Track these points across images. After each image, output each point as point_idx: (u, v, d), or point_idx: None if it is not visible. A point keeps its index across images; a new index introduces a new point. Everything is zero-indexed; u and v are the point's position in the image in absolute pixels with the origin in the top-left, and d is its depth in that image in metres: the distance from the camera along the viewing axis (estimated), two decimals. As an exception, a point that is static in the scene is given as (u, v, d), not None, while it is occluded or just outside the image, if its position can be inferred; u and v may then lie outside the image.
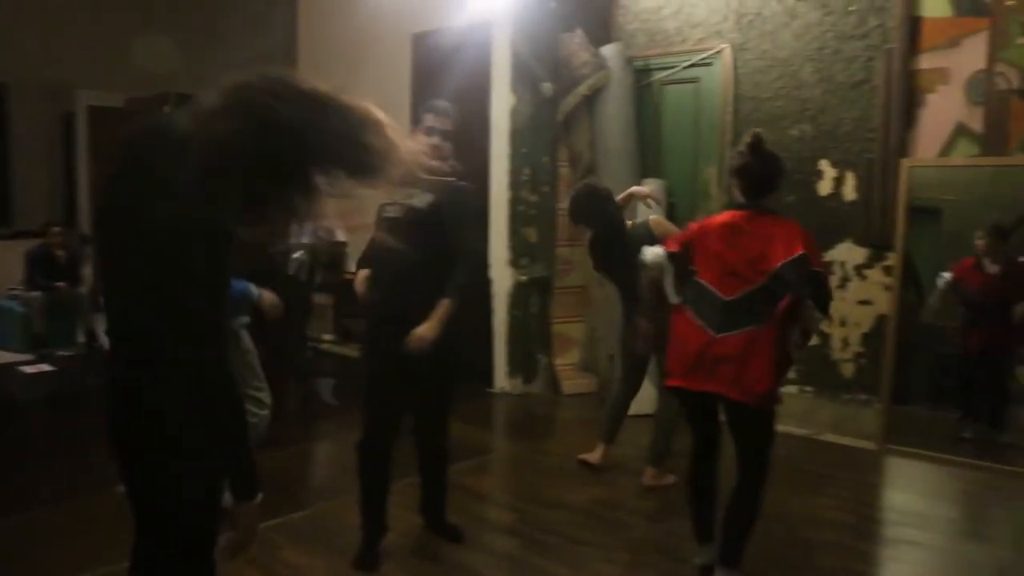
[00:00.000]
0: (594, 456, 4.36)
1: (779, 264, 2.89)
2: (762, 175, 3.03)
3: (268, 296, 3.86)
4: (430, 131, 3.16)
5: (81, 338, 7.54)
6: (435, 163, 3.16)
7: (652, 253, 3.20)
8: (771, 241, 2.94)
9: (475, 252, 3.38)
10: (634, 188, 4.39)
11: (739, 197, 3.07)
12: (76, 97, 8.51)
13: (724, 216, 3.08)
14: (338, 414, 5.66)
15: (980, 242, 4.67)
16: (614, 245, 4.08)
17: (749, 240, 2.98)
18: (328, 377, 6.67)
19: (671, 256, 3.11)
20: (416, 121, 3.22)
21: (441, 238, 3.10)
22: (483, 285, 5.81)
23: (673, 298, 3.12)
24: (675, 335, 3.09)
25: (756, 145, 3.01)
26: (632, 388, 4.36)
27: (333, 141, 1.50)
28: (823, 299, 2.99)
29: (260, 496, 1.69)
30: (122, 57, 8.01)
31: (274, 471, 4.46)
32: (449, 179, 3.21)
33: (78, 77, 8.40)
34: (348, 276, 7.37)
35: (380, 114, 1.56)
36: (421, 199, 3.13)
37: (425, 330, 3.04)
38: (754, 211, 3.01)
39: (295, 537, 3.55)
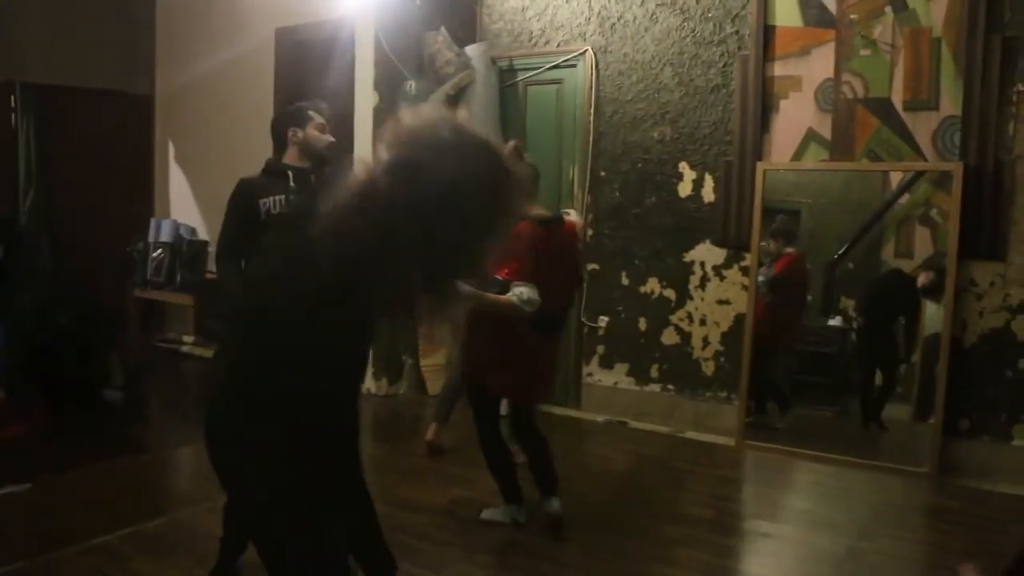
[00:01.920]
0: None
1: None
2: (533, 180, 3.51)
3: None
4: (324, 128, 3.26)
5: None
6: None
7: (528, 294, 3.25)
8: (575, 249, 3.57)
9: None
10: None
11: None
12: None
13: (540, 232, 3.36)
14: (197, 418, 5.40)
15: (766, 244, 4.98)
16: None
17: (565, 250, 3.49)
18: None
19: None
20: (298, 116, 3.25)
21: None
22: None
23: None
24: (525, 357, 3.43)
25: (520, 152, 3.44)
26: None
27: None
28: None
29: None
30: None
31: (128, 477, 4.24)
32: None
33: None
34: (209, 275, 7.11)
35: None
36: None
37: None
38: (558, 221, 3.50)
39: (147, 546, 3.36)
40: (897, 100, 4.52)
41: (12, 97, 6.83)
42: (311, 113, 3.26)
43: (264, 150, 3.33)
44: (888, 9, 4.51)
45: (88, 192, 7.06)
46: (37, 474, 4.02)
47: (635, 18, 5.24)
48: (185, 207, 7.53)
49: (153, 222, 7.31)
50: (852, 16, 4.61)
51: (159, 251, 7.13)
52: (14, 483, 3.88)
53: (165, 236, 7.19)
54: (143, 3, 7.59)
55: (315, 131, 3.24)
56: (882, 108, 4.56)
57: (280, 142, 3.25)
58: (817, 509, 4.04)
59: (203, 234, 7.26)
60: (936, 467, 4.34)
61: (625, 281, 5.39)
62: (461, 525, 3.64)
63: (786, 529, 3.70)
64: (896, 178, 4.66)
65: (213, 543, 3.13)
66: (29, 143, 6.92)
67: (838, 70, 4.67)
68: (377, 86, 5.65)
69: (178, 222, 7.31)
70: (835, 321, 5.00)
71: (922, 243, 4.56)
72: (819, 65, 4.72)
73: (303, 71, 6.48)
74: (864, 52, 4.59)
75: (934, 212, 4.51)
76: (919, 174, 4.55)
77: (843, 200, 4.93)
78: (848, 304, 4.98)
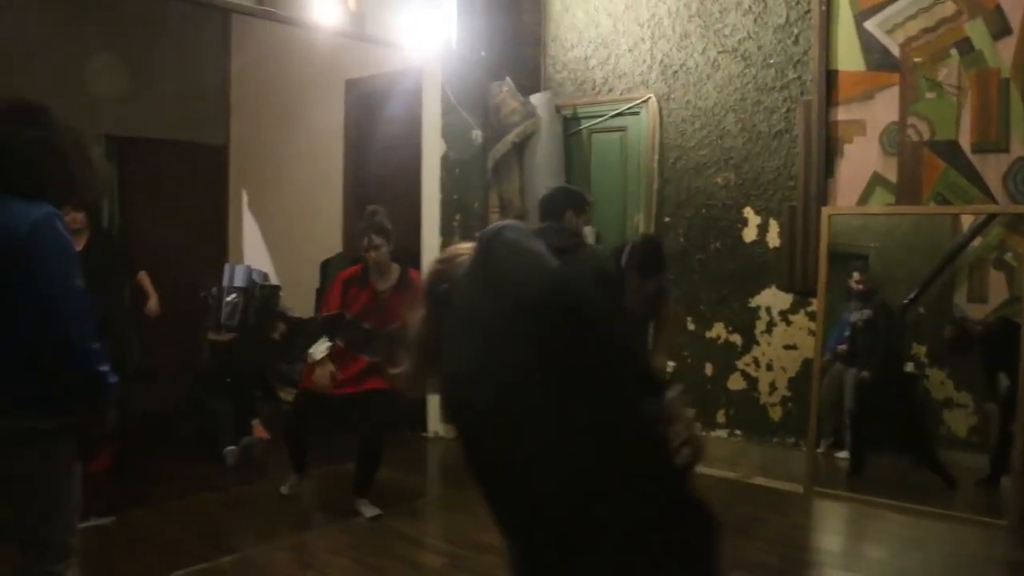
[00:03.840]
0: None
1: None
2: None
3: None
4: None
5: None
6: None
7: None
8: None
9: None
10: None
11: None
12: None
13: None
14: (272, 458, 5.50)
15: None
16: None
17: None
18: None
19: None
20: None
21: None
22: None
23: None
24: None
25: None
26: None
27: None
28: None
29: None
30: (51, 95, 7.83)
31: (204, 515, 4.35)
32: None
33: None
34: (285, 320, 7.28)
35: None
36: None
37: None
38: None
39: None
40: (965, 142, 4.47)
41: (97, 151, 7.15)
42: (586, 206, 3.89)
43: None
44: (954, 51, 4.48)
45: (166, 238, 7.32)
46: (119, 508, 4.16)
47: (697, 65, 5.30)
48: (257, 253, 7.75)
49: (227, 267, 7.52)
50: (916, 59, 4.60)
51: (233, 295, 7.32)
52: (98, 516, 4.02)
53: (239, 281, 7.39)
54: (218, 59, 7.90)
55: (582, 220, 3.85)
56: (949, 151, 4.51)
57: (554, 216, 3.77)
58: (890, 559, 3.94)
59: (274, 279, 7.45)
60: (1017, 519, 4.20)
61: (691, 326, 5.38)
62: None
63: (858, 579, 3.63)
64: (966, 221, 4.59)
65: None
66: (112, 192, 7.23)
67: (903, 113, 4.65)
68: (444, 135, 5.79)
69: (251, 267, 7.51)
70: (907, 368, 4.89)
71: (997, 287, 4.47)
72: (883, 108, 4.70)
73: (372, 121, 6.67)
74: (929, 95, 4.57)
75: (1008, 256, 4.42)
76: (991, 217, 4.47)
77: (912, 244, 4.86)
78: (920, 350, 4.88)
